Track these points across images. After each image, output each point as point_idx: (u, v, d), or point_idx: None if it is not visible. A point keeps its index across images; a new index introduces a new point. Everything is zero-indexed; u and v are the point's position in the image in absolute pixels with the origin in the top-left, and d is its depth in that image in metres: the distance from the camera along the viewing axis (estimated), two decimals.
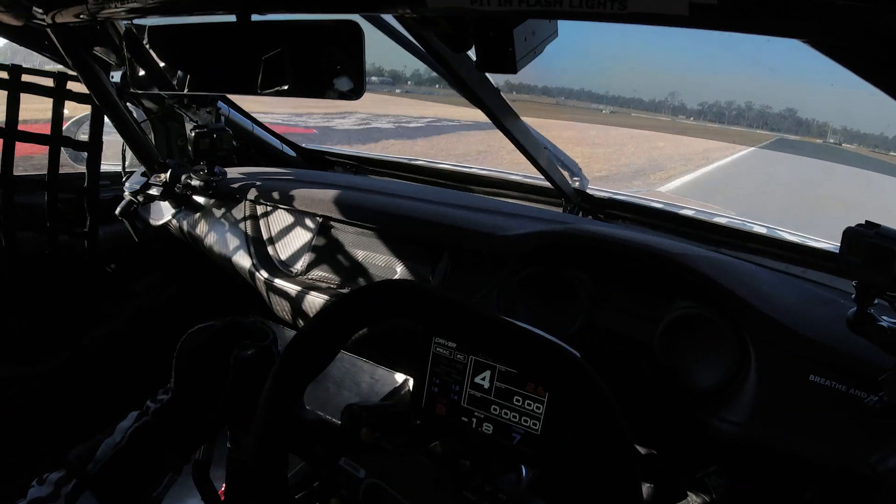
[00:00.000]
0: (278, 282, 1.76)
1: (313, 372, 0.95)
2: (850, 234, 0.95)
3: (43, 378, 1.91)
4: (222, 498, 1.10)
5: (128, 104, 1.88)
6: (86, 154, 1.81)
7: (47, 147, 1.74)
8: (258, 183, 1.90)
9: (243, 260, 1.85)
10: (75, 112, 2.07)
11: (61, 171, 1.79)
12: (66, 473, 0.95)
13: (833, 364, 1.15)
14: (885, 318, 0.98)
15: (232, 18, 1.07)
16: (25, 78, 1.66)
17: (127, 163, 2.05)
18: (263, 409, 0.92)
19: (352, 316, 0.94)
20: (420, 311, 0.92)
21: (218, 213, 1.96)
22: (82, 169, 1.87)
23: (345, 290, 1.71)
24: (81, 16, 1.19)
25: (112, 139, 1.87)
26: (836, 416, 1.13)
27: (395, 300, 0.93)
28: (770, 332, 1.21)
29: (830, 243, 1.62)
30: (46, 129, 1.73)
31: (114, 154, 2.03)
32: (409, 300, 0.92)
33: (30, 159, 2.17)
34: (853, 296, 0.99)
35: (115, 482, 0.96)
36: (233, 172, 2.01)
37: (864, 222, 0.96)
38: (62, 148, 1.79)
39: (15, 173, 1.71)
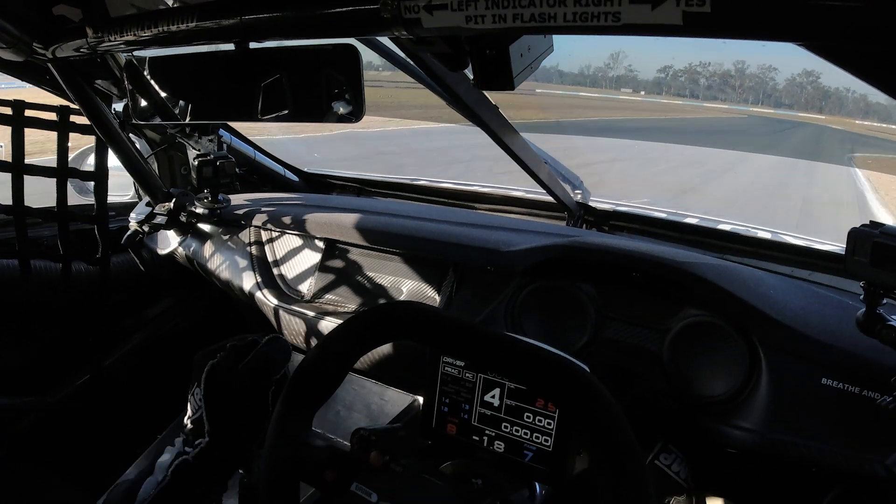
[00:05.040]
0: (286, 307, 1.76)
1: (321, 398, 0.94)
2: (855, 235, 0.95)
3: (60, 407, 1.92)
4: None
5: (130, 135, 1.89)
6: (91, 185, 1.82)
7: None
8: (262, 209, 1.91)
9: (250, 286, 1.86)
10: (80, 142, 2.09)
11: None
12: None
13: (844, 366, 1.14)
14: (894, 317, 0.98)
15: (230, 47, 1.08)
16: (28, 112, 1.68)
17: (136, 192, 2.08)
18: (272, 438, 0.91)
19: (355, 341, 0.94)
20: (424, 332, 0.91)
21: (223, 240, 1.97)
22: (87, 200, 1.88)
23: (353, 312, 1.71)
24: (82, 49, 1.20)
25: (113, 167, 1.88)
26: (850, 419, 1.13)
27: (398, 323, 0.93)
28: (780, 336, 1.21)
29: (836, 245, 1.62)
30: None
31: (119, 186, 2.05)
32: (411, 322, 0.92)
33: None
34: (861, 296, 0.99)
35: None
36: (237, 199, 2.02)
37: (868, 222, 0.95)
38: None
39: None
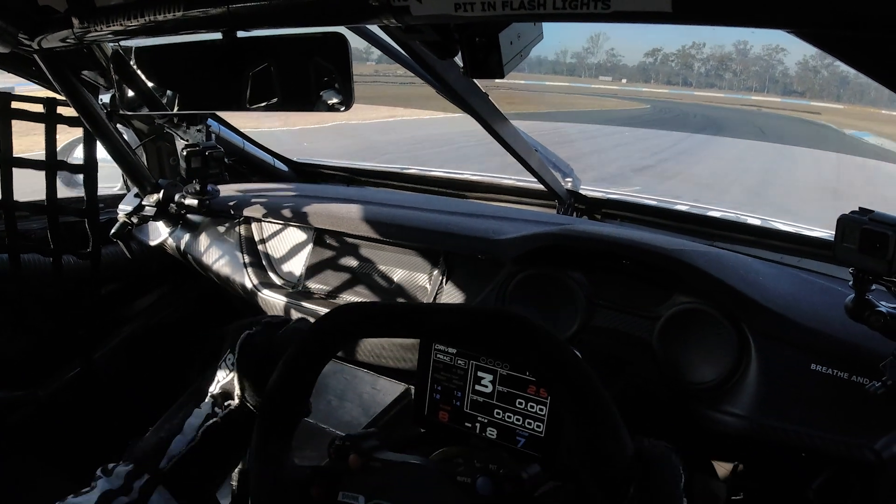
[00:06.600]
0: (276, 296, 1.76)
1: (294, 420, 0.93)
2: (844, 221, 0.95)
3: (52, 399, 1.91)
4: None
5: (118, 126, 1.88)
6: (79, 178, 1.81)
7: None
8: (252, 199, 1.90)
9: (240, 276, 1.85)
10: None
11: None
12: (134, 467, 0.94)
13: (834, 352, 1.15)
14: (883, 303, 0.99)
15: (218, 36, 1.07)
16: (15, 105, 1.66)
17: (125, 183, 2.07)
18: (256, 471, 0.90)
19: (309, 359, 0.92)
20: (372, 327, 0.90)
21: (213, 231, 1.96)
22: (74, 193, 1.87)
23: (343, 302, 1.71)
24: (68, 40, 1.19)
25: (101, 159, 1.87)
26: (840, 404, 1.14)
27: (346, 327, 0.91)
28: (769, 323, 1.22)
29: (825, 231, 1.63)
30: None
31: (107, 177, 2.03)
32: (358, 323, 0.90)
33: None
34: (850, 283, 0.99)
35: (187, 478, 0.96)
36: (226, 190, 2.01)
37: (857, 209, 0.96)
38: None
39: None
